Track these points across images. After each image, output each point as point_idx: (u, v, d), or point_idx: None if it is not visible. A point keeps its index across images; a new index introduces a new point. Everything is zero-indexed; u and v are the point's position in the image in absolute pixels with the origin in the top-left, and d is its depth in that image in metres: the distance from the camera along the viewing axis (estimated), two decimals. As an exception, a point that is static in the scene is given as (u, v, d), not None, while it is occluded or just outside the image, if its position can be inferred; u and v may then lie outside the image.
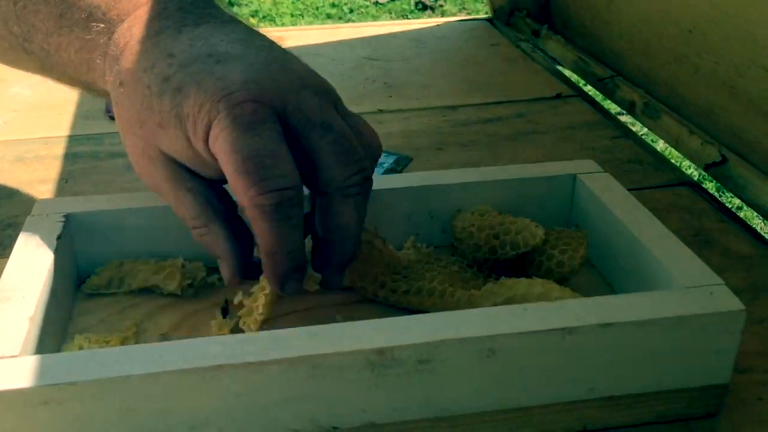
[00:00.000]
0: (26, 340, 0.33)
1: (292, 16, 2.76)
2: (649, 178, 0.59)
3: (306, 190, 0.37)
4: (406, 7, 2.84)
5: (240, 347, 0.31)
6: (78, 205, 0.42)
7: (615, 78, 0.76)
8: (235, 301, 0.39)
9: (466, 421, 0.34)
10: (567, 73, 0.83)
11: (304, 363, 0.31)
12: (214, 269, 0.44)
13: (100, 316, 0.40)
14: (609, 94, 0.76)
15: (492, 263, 0.43)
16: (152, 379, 0.30)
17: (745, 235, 0.52)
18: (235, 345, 0.32)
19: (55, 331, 0.37)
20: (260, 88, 0.35)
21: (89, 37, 0.40)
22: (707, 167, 0.61)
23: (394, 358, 0.32)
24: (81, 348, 0.36)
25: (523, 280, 0.38)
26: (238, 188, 0.34)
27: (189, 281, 0.42)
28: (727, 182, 0.59)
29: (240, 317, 0.38)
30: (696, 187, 0.58)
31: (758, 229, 0.55)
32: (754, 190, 0.56)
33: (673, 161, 0.65)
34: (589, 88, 0.81)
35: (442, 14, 2.76)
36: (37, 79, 0.48)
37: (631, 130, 0.68)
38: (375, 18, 2.73)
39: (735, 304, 0.35)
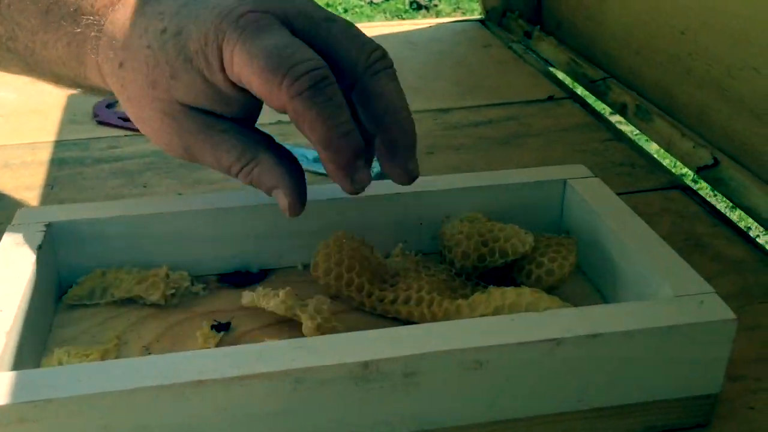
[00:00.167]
0: (2, 355, 0.32)
1: (286, 15, 2.75)
2: (641, 181, 0.59)
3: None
4: (400, 6, 2.83)
5: (221, 361, 0.31)
6: (60, 213, 0.41)
7: (607, 80, 0.76)
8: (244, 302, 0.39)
9: (453, 434, 0.33)
10: (559, 75, 0.83)
11: (287, 377, 0.31)
12: (198, 278, 0.43)
13: (82, 328, 0.40)
14: (601, 96, 0.76)
15: (481, 271, 0.42)
16: (131, 395, 0.30)
17: (737, 239, 0.51)
18: (216, 359, 0.31)
19: (35, 344, 0.37)
20: (256, 1, 0.35)
21: (78, 30, 0.39)
22: (699, 170, 0.61)
23: (379, 371, 0.31)
24: (60, 362, 0.35)
25: (512, 289, 0.37)
26: (272, 89, 0.34)
27: (173, 291, 0.41)
28: (719, 185, 0.59)
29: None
30: (688, 190, 0.58)
31: (755, 230, 0.54)
32: (746, 193, 0.56)
33: (667, 163, 0.65)
34: (581, 91, 0.81)
35: (437, 14, 2.76)
36: (23, 83, 0.48)
37: (623, 133, 0.68)
38: (370, 18, 2.73)
39: (726, 313, 0.34)
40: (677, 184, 0.59)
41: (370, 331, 0.33)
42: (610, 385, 0.34)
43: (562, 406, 0.34)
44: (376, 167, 0.59)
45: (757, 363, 0.40)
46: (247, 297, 0.40)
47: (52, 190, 0.56)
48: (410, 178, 0.38)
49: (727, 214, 0.95)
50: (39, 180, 0.57)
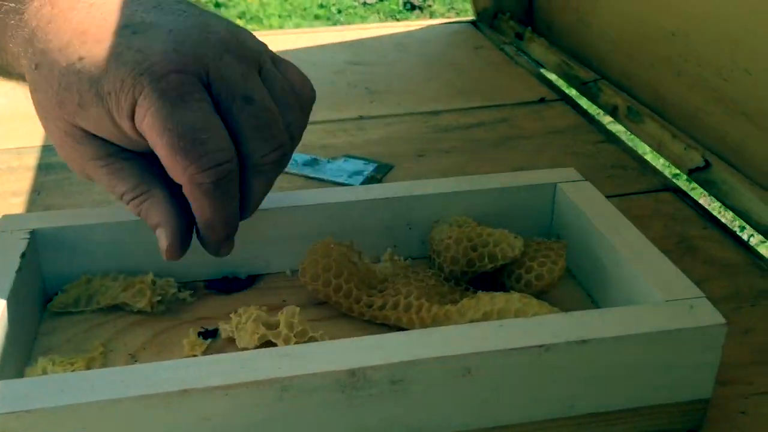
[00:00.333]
0: (-15, 365, 0.32)
1: (280, 17, 2.75)
2: (633, 183, 0.59)
3: None
4: (394, 7, 2.83)
5: (206, 370, 0.30)
6: (43, 220, 0.41)
7: (598, 81, 0.76)
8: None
9: (442, 441, 0.33)
10: (551, 76, 0.82)
11: (272, 385, 0.30)
12: (185, 285, 0.43)
13: (67, 336, 0.39)
14: (592, 98, 0.76)
15: (470, 276, 0.42)
16: (114, 406, 0.29)
17: (729, 241, 0.51)
18: (200, 368, 0.31)
19: (18, 353, 0.36)
20: (182, 57, 0.34)
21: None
22: (690, 172, 0.60)
23: (366, 379, 0.31)
24: (45, 371, 0.35)
25: (501, 294, 0.37)
26: (176, 167, 0.34)
27: (159, 298, 0.41)
28: (710, 187, 0.59)
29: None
30: (680, 192, 0.57)
31: (749, 229, 0.54)
32: (737, 195, 0.56)
33: (660, 165, 0.65)
34: (573, 93, 0.81)
35: (431, 14, 2.75)
36: (10, 87, 0.47)
37: (614, 135, 0.68)
38: (363, 19, 2.72)
39: (716, 318, 0.34)
40: (669, 186, 0.58)
41: (357, 338, 0.33)
42: (600, 390, 0.34)
43: (552, 413, 0.34)
44: (366, 170, 0.59)
45: (749, 367, 0.40)
46: (225, 332, 0.39)
47: (38, 196, 0.55)
48: (213, 252, 0.38)
49: (721, 215, 0.95)
50: (26, 186, 0.57)
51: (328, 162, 0.60)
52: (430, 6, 2.85)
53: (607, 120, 0.81)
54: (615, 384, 0.34)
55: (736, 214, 0.56)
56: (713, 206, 1.07)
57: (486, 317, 0.36)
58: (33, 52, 0.36)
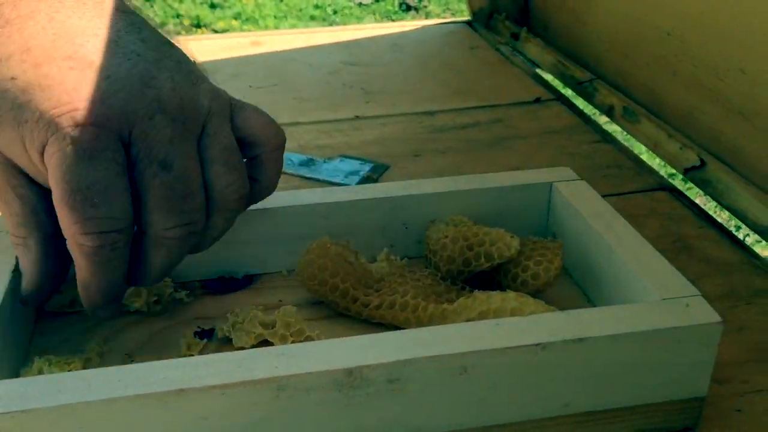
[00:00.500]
0: (-20, 366, 0.32)
1: (275, 18, 2.75)
2: (629, 183, 0.59)
3: None
4: (390, 8, 2.83)
5: (202, 370, 0.30)
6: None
7: (594, 81, 0.76)
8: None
9: (439, 440, 0.33)
10: (546, 76, 0.82)
11: (269, 385, 0.30)
12: (181, 285, 0.43)
13: (63, 336, 0.39)
14: (588, 98, 0.76)
15: (467, 275, 0.42)
16: (111, 405, 0.29)
17: (725, 240, 0.51)
18: (197, 367, 0.31)
19: (14, 354, 0.36)
20: (108, 110, 0.33)
21: None
22: (686, 171, 0.61)
23: (363, 378, 0.31)
24: (41, 372, 0.35)
25: (497, 293, 0.37)
26: (62, 219, 0.33)
27: (156, 298, 0.41)
28: (705, 186, 0.59)
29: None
30: (675, 192, 0.58)
31: (745, 229, 0.54)
32: (733, 194, 0.56)
33: (656, 164, 0.65)
34: (569, 93, 0.81)
35: (426, 15, 2.76)
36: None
37: (610, 135, 0.68)
38: (359, 19, 2.73)
39: (711, 316, 0.34)
40: (664, 185, 0.59)
41: (354, 337, 0.33)
42: (596, 389, 0.34)
43: (549, 411, 0.34)
44: (362, 170, 0.59)
45: (745, 365, 0.40)
46: (221, 332, 0.39)
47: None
48: (89, 311, 0.36)
49: (717, 215, 0.95)
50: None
51: (324, 162, 0.60)
52: (425, 6, 2.86)
53: (603, 120, 0.81)
54: (611, 382, 0.34)
55: (732, 214, 0.56)
56: (709, 206, 1.07)
57: (482, 316, 0.36)
58: None
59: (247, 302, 0.42)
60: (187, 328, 0.40)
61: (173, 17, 2.72)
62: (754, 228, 0.54)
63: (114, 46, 0.35)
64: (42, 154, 0.33)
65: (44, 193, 0.35)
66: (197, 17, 2.71)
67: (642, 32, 0.69)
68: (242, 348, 0.38)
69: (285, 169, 0.58)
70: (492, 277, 0.42)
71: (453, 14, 2.70)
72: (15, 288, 0.37)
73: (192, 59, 0.39)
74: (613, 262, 0.40)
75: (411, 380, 0.32)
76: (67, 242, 0.33)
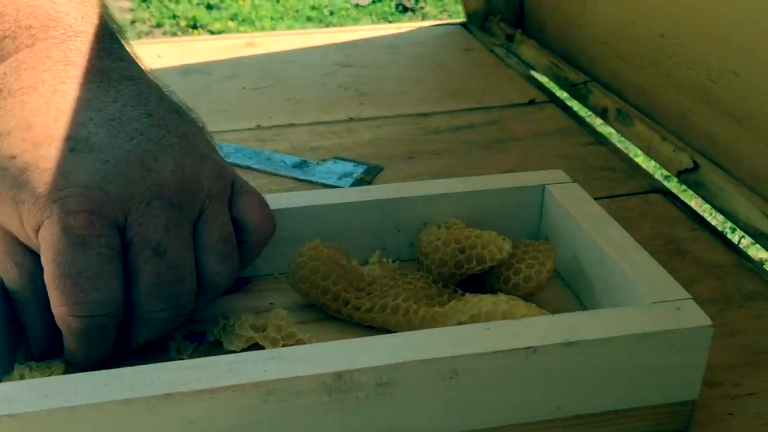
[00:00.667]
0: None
1: (272, 19, 2.75)
2: (622, 185, 0.59)
3: None
4: (386, 9, 2.83)
5: (190, 373, 0.30)
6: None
7: (588, 83, 0.76)
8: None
9: (429, 444, 0.33)
10: (541, 78, 0.82)
11: (257, 389, 0.30)
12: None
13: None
14: (582, 100, 0.76)
15: (459, 278, 0.42)
16: (98, 410, 0.29)
17: (717, 243, 0.51)
18: (185, 371, 0.30)
19: (3, 358, 0.36)
20: (103, 197, 0.33)
21: None
22: (679, 173, 0.61)
23: (353, 381, 0.31)
24: (22, 377, 0.35)
25: (488, 297, 0.37)
26: (51, 299, 0.33)
27: (146, 301, 0.41)
28: (699, 189, 0.59)
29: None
30: (668, 194, 0.58)
31: (740, 232, 0.54)
32: (726, 196, 0.56)
33: (651, 167, 0.65)
34: (564, 95, 0.81)
35: (423, 17, 2.76)
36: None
37: (604, 137, 0.68)
38: (355, 21, 2.73)
39: (702, 319, 0.34)
40: (658, 188, 0.59)
41: (343, 341, 0.32)
42: (587, 392, 0.34)
43: (539, 415, 0.34)
44: (355, 172, 0.59)
45: (736, 369, 0.40)
46: (212, 335, 0.39)
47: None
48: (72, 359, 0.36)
49: (713, 218, 0.95)
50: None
51: (318, 164, 0.60)
52: (422, 8, 2.86)
53: (598, 122, 0.81)
54: (602, 386, 0.34)
55: (724, 215, 0.56)
56: (704, 208, 1.07)
57: (473, 319, 0.36)
58: None
59: (239, 305, 0.42)
60: (177, 331, 0.39)
61: (169, 18, 2.72)
62: (747, 230, 0.54)
63: (117, 124, 0.35)
64: (37, 233, 0.34)
65: (39, 260, 0.35)
66: (194, 18, 2.71)
67: (636, 35, 0.69)
68: (233, 351, 0.38)
69: (278, 170, 0.58)
70: (484, 280, 0.42)
71: (450, 16, 2.70)
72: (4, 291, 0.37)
73: (201, 125, 0.39)
74: (605, 265, 0.40)
75: (401, 384, 0.31)
76: (56, 319, 0.34)
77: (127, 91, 0.36)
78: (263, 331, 0.38)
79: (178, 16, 2.73)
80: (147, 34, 2.60)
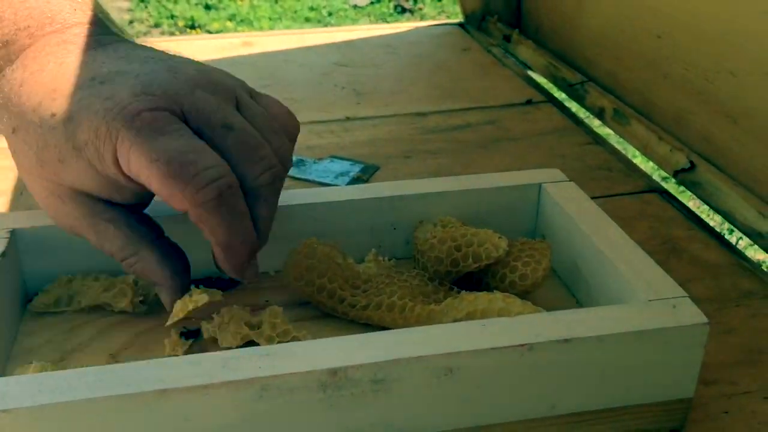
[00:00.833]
0: (-39, 365, 0.31)
1: (270, 19, 2.75)
2: (619, 185, 0.59)
3: None
4: (385, 10, 2.83)
5: (185, 370, 0.30)
6: (24, 220, 0.40)
7: (585, 83, 0.76)
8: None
9: (424, 441, 0.33)
10: (538, 78, 0.82)
11: (252, 385, 0.30)
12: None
13: (48, 336, 0.39)
14: (579, 100, 0.76)
15: (455, 276, 0.42)
16: (93, 405, 0.29)
17: (714, 243, 0.51)
18: (180, 368, 0.30)
19: (-3, 354, 0.36)
20: (152, 97, 0.34)
21: None
22: (676, 173, 0.61)
23: (348, 378, 0.31)
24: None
25: (484, 294, 0.37)
26: (174, 195, 0.33)
27: (141, 298, 0.41)
28: (695, 189, 0.59)
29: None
30: (665, 194, 0.58)
31: (737, 232, 0.54)
32: (722, 196, 0.56)
33: (649, 168, 0.65)
34: (561, 95, 0.81)
35: (422, 17, 2.76)
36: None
37: (601, 137, 0.68)
38: (354, 22, 2.73)
39: (698, 317, 0.34)
40: (654, 188, 0.59)
41: (338, 337, 0.32)
42: (582, 390, 0.34)
43: (535, 412, 0.34)
44: (352, 171, 0.59)
45: (732, 367, 0.40)
46: (207, 332, 0.39)
47: (21, 196, 0.55)
48: (236, 276, 0.37)
49: (711, 217, 0.95)
50: (9, 185, 0.56)
51: (315, 163, 0.60)
52: (420, 9, 2.86)
53: (596, 123, 0.81)
54: (598, 383, 0.34)
55: (721, 215, 0.56)
56: (702, 209, 1.07)
57: (469, 317, 0.36)
58: (9, 117, 0.37)
59: (234, 302, 0.41)
60: (172, 328, 0.39)
61: (167, 18, 2.72)
62: (743, 229, 0.54)
63: (126, 59, 0.37)
64: (116, 162, 0.34)
65: (126, 210, 0.37)
66: (192, 18, 2.71)
67: (633, 35, 0.69)
68: (228, 348, 0.37)
69: (274, 169, 0.58)
70: (480, 278, 0.42)
71: (448, 17, 2.71)
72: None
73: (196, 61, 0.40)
74: (601, 263, 0.40)
75: (396, 381, 0.31)
76: (190, 215, 0.34)
77: (124, 45, 0.38)
78: (258, 329, 0.38)
79: (176, 17, 2.73)
80: (145, 34, 2.60)
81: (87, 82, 0.35)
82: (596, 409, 0.34)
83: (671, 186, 1.11)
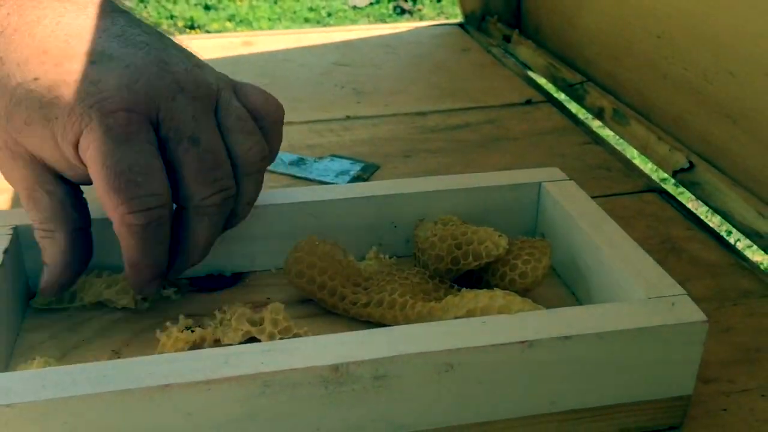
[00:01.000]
0: (-35, 360, 0.32)
1: (270, 20, 2.75)
2: (618, 184, 0.59)
3: None
4: (384, 11, 2.83)
5: (188, 365, 0.30)
6: (27, 217, 0.41)
7: (585, 84, 0.76)
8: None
9: (424, 437, 0.33)
10: (537, 78, 0.83)
11: (254, 380, 0.30)
12: (169, 282, 0.43)
13: (51, 332, 0.39)
14: (579, 100, 0.76)
15: (455, 274, 0.42)
16: (96, 400, 0.29)
17: (713, 242, 0.51)
18: (183, 363, 0.31)
19: (1, 350, 0.36)
20: (134, 95, 0.35)
21: None
22: (675, 173, 0.61)
23: (349, 374, 0.31)
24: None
25: (485, 292, 0.37)
26: (108, 204, 0.34)
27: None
28: (695, 188, 0.59)
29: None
30: (664, 194, 0.58)
31: (736, 233, 0.54)
32: (721, 196, 0.56)
33: (648, 168, 0.65)
34: (561, 95, 0.81)
35: (421, 18, 2.76)
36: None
37: (600, 137, 0.68)
38: (353, 22, 2.73)
39: (697, 315, 0.34)
40: (653, 187, 0.59)
41: (340, 333, 0.33)
42: (582, 387, 0.34)
43: (535, 409, 0.34)
44: (352, 170, 0.59)
45: (731, 365, 0.40)
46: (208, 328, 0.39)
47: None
48: (136, 290, 0.39)
49: (710, 217, 0.95)
50: (11, 183, 0.57)
51: (315, 161, 0.60)
52: (420, 10, 2.86)
53: (596, 124, 0.81)
54: (597, 380, 0.34)
55: (720, 215, 0.56)
56: (701, 210, 1.07)
57: (470, 314, 0.36)
58: None
59: (236, 300, 0.42)
60: (174, 326, 0.39)
61: (167, 18, 2.72)
62: (742, 229, 0.54)
63: (122, 40, 0.37)
64: (76, 147, 0.35)
65: (71, 189, 0.37)
66: (191, 19, 2.71)
67: (632, 35, 0.69)
68: (229, 345, 0.38)
69: (275, 168, 0.58)
70: (480, 276, 0.42)
71: (447, 18, 2.71)
72: (1, 283, 0.37)
73: (186, 47, 0.41)
74: (601, 261, 0.40)
75: (397, 376, 0.32)
76: (114, 226, 0.35)
77: (122, 17, 0.38)
78: (260, 326, 0.38)
79: (176, 17, 2.73)
80: (144, 34, 2.59)
81: (78, 56, 0.35)
82: (595, 406, 0.35)
83: (670, 186, 1.11)
